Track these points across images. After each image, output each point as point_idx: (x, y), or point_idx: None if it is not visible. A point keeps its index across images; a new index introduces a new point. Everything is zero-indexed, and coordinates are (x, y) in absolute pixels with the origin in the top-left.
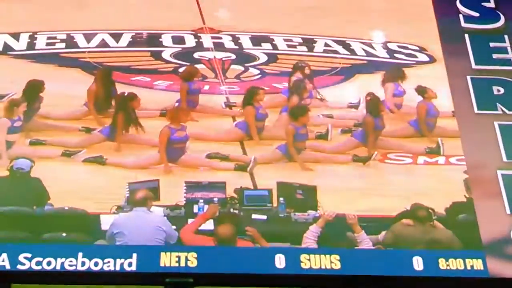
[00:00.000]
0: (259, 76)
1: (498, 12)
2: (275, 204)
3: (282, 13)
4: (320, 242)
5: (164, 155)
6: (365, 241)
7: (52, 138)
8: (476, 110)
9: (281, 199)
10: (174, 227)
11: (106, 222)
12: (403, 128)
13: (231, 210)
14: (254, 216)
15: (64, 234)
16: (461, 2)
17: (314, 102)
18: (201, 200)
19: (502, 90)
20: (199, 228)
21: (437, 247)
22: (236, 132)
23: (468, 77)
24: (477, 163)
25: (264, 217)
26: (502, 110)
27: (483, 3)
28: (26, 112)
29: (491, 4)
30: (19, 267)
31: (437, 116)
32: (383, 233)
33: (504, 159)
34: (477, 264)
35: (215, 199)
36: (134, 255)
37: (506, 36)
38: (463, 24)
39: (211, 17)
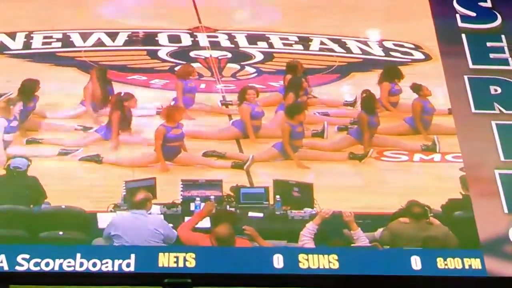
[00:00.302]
0: (255, 74)
1: (495, 11)
2: (271, 202)
3: (278, 12)
4: (316, 240)
5: (160, 153)
6: (361, 238)
7: (49, 137)
8: (473, 110)
9: (277, 197)
10: (171, 225)
11: (103, 221)
12: (398, 126)
13: (228, 207)
14: (250, 214)
15: (61, 233)
16: (457, 2)
17: (310, 99)
18: (198, 198)
19: (499, 90)
20: (196, 225)
21: (433, 243)
22: (232, 130)
23: (465, 77)
24: (475, 162)
25: (261, 214)
26: (500, 110)
27: (479, 3)
28: (22, 112)
29: (488, 4)
30: (17, 268)
31: (433, 114)
32: (380, 230)
33: (502, 158)
34: (475, 264)
35: (212, 197)
36: (132, 256)
37: (503, 36)
38: (460, 24)
39: (207, 16)
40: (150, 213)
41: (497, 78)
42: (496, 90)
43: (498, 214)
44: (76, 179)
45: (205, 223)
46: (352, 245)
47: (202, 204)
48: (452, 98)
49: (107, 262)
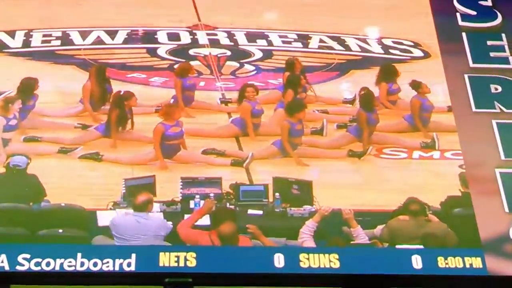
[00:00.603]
0: (255, 72)
1: (495, 10)
2: (271, 199)
3: (277, 10)
4: (316, 237)
5: (159, 151)
6: (361, 236)
7: (48, 135)
8: (474, 109)
9: (276, 194)
10: (170, 223)
11: (102, 218)
12: (398, 123)
13: (227, 205)
14: (250, 211)
15: (60, 231)
16: (458, 1)
17: (309, 97)
18: (197, 196)
19: (499, 89)
20: (196, 223)
21: (433, 240)
22: (231, 128)
23: (466, 76)
24: (475, 161)
25: (260, 212)
26: (500, 109)
27: (480, 2)
28: (21, 110)
29: (488, 3)
30: (18, 268)
31: (431, 111)
32: (379, 227)
33: (502, 157)
34: (476, 263)
35: (211, 194)
36: (133, 255)
37: (503, 34)
38: (460, 22)
39: (206, 13)
40: (151, 214)
41: (498, 76)
42: (496, 89)
43: (499, 213)
44: (76, 177)
45: (205, 220)
46: (352, 242)
47: (202, 202)
48: (452, 96)
49: (108, 262)
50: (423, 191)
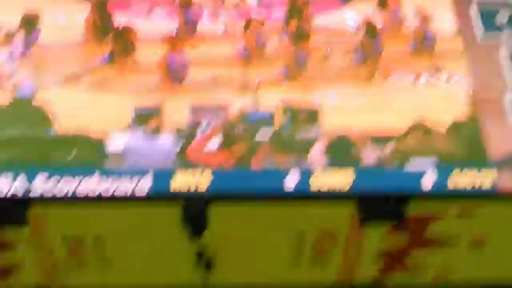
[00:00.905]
0: (258, 2)
1: None
2: (278, 125)
3: None
4: (325, 161)
5: (165, 80)
6: (370, 157)
7: (53, 67)
8: (481, 36)
9: (284, 119)
10: (179, 147)
11: (112, 145)
12: (403, 49)
13: (235, 131)
14: (257, 137)
15: (70, 158)
16: None
17: (312, 26)
18: (205, 122)
19: (508, 16)
20: (204, 148)
21: (443, 158)
22: (237, 57)
23: (474, 3)
24: (483, 84)
25: (267, 137)
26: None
27: None
28: (24, 42)
29: None
30: (34, 190)
31: (436, 38)
32: (388, 149)
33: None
34: (487, 181)
35: (219, 121)
36: (148, 177)
37: None
38: None
39: None
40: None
41: (507, 2)
42: (505, 17)
43: (508, 133)
44: (83, 106)
45: (213, 145)
46: (361, 164)
47: (209, 128)
48: (459, 24)
49: (121, 185)
50: (431, 113)
